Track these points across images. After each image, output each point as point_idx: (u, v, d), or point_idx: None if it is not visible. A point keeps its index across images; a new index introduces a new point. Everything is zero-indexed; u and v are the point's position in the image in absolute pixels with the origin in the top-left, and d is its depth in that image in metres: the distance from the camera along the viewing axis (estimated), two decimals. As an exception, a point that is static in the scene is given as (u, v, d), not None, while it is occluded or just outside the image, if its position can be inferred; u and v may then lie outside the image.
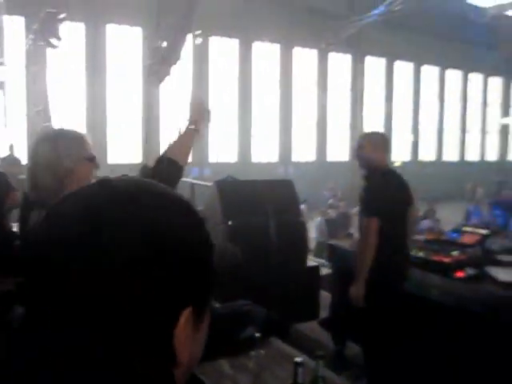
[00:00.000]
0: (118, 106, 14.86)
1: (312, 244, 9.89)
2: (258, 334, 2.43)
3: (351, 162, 19.33)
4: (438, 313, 3.36)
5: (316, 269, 4.92)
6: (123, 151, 15.02)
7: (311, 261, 5.25)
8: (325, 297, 4.96)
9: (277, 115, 17.87)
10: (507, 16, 18.90)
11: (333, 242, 4.83)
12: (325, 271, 5.40)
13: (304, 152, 18.71)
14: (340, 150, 19.59)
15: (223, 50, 16.48)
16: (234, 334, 2.53)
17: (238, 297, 3.04)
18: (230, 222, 4.47)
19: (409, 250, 3.48)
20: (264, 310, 2.70)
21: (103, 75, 14.46)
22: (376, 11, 15.10)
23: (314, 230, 10.31)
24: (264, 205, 4.58)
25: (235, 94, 16.92)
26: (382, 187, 3.31)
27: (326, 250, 4.98)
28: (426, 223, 8.72)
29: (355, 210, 10.94)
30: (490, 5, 17.68)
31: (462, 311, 3.18)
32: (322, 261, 5.66)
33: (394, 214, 3.27)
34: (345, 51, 18.74)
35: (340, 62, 19.12)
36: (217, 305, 2.73)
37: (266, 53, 17.28)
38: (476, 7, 18.63)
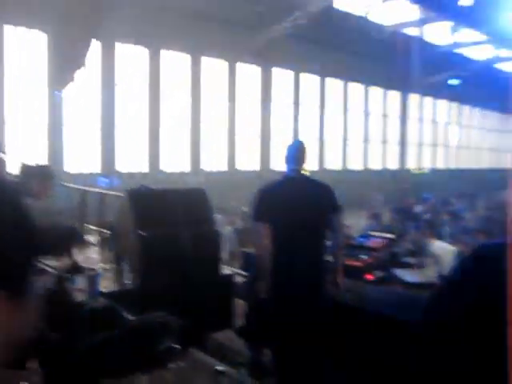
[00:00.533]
0: (20, 110, 14.10)
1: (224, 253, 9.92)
2: (176, 346, 2.37)
3: (261, 170, 19.68)
4: (351, 315, 3.46)
5: (230, 277, 4.91)
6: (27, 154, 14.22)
7: (225, 269, 5.23)
8: (240, 305, 4.96)
9: (187, 124, 17.76)
10: (404, 33, 20.18)
11: (246, 249, 4.85)
12: (239, 279, 5.41)
13: (214, 161, 18.75)
14: (250, 159, 19.85)
15: (131, 57, 16.14)
16: (150, 347, 2.45)
17: (152, 309, 2.96)
18: (142, 233, 4.35)
19: (317, 257, 3.45)
20: (179, 320, 2.64)
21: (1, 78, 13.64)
22: (284, 24, 15.53)
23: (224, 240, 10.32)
24: (177, 214, 4.51)
25: (145, 102, 16.62)
26: (269, 194, 3.51)
27: (240, 258, 4.98)
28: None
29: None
30: (389, 23, 18.76)
31: (373, 313, 3.31)
32: (236, 269, 5.66)
33: (282, 220, 3.41)
34: (253, 62, 19.06)
35: (249, 73, 19.41)
36: (130, 318, 2.63)
37: (175, 61, 17.15)
38: (376, 24, 19.71)
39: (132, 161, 16.50)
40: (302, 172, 3.62)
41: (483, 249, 1.99)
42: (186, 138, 17.84)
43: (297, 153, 3.66)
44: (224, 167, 19.01)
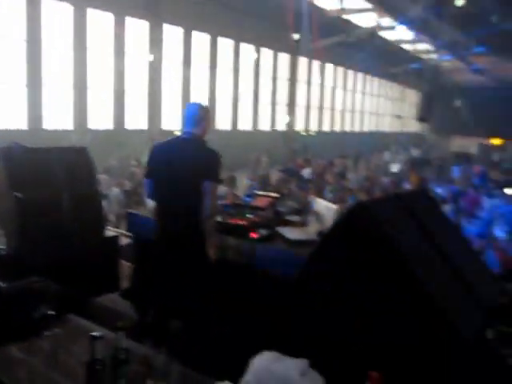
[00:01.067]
0: None
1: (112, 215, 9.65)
2: (52, 312, 2.27)
3: (150, 130, 19.20)
4: (234, 272, 3.53)
5: (115, 239, 4.79)
6: None
7: (110, 231, 5.08)
8: (126, 267, 4.87)
9: (70, 80, 16.71)
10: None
11: (131, 210, 4.73)
12: (125, 241, 5.30)
13: (101, 119, 17.93)
14: (138, 118, 19.25)
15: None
16: (24, 315, 2.32)
17: (31, 274, 2.80)
18: (17, 195, 4.06)
19: (189, 219, 3.44)
20: (57, 285, 2.52)
21: None
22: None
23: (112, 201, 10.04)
24: (55, 174, 4.26)
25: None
26: (156, 153, 3.68)
27: (126, 219, 4.87)
28: (224, 190, 9.09)
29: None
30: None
31: (255, 269, 3.41)
32: (122, 231, 5.54)
33: (161, 179, 3.54)
34: (142, 17, 18.27)
35: (137, 28, 18.59)
36: (2, 284, 2.47)
37: (58, 14, 15.93)
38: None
39: (10, 118, 15.30)
40: (195, 135, 3.54)
41: (355, 207, 2.10)
42: (70, 94, 16.82)
43: (188, 115, 3.59)
44: (110, 126, 18.27)
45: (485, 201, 11.46)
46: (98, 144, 13.57)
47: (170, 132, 19.79)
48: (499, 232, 7.98)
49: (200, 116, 3.57)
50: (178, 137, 3.68)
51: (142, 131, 18.79)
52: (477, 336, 2.00)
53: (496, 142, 36.63)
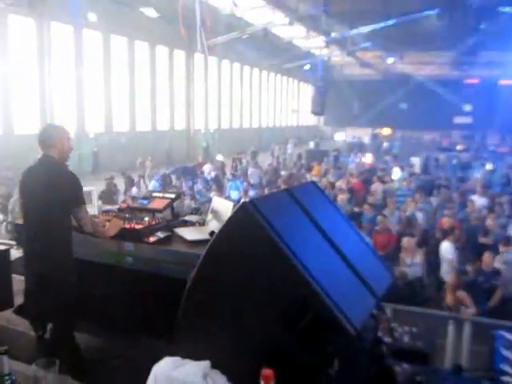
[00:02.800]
0: None
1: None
2: None
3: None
4: (135, 279, 3.46)
5: (5, 253, 4.50)
6: None
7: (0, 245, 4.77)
8: (20, 282, 4.59)
9: None
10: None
11: (18, 221, 4.47)
12: (18, 254, 5.00)
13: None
14: (30, 122, 18.20)
15: None
16: None
17: None
18: None
19: (50, 247, 3.29)
20: None
21: None
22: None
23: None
24: None
25: None
26: (23, 176, 3.47)
27: (15, 231, 4.59)
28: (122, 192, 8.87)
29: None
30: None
31: (155, 274, 3.36)
32: (12, 242, 5.21)
33: (24, 205, 3.50)
34: (27, 14, 17.29)
35: (24, 26, 17.56)
36: None
37: None
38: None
39: None
40: (49, 157, 3.36)
41: (243, 204, 2.16)
42: None
43: (41, 139, 3.39)
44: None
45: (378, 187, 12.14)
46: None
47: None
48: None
49: (47, 137, 3.37)
50: (37, 162, 3.43)
51: (32, 136, 17.81)
52: (367, 330, 2.13)
53: (386, 131, 38.96)
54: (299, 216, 2.37)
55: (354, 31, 26.95)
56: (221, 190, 10.72)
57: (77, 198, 3.30)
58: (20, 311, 4.21)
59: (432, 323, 4.81)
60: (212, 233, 3.10)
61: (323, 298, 1.86)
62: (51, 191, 3.21)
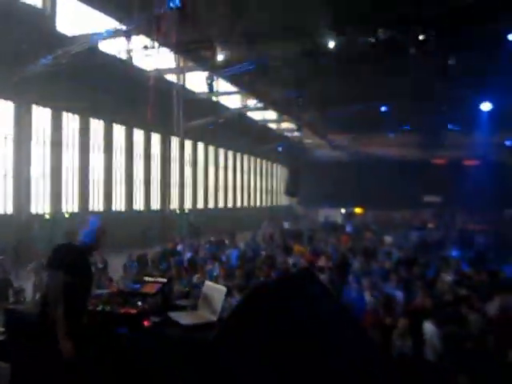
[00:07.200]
0: None
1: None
2: None
3: (16, 215, 18.07)
4: (130, 362, 3.44)
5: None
6: None
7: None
8: (3, 368, 4.47)
9: None
10: (166, 79, 21.10)
11: (11, 306, 4.44)
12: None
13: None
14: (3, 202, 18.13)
15: None
16: None
17: None
18: None
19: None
20: None
21: None
22: (44, 60, 14.84)
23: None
24: None
25: None
26: None
27: (5, 315, 4.53)
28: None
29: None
30: (151, 68, 19.35)
31: (152, 359, 3.36)
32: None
33: None
34: (8, 98, 17.69)
35: (4, 109, 17.91)
36: None
37: None
38: (139, 69, 20.21)
39: None
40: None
41: (253, 291, 2.26)
42: None
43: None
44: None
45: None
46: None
47: (40, 215, 18.85)
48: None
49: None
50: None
51: (3, 216, 17.68)
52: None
53: (358, 210, 39.82)
54: (303, 303, 2.48)
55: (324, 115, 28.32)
56: (196, 270, 10.53)
57: None
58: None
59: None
60: (220, 319, 3.17)
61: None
62: None
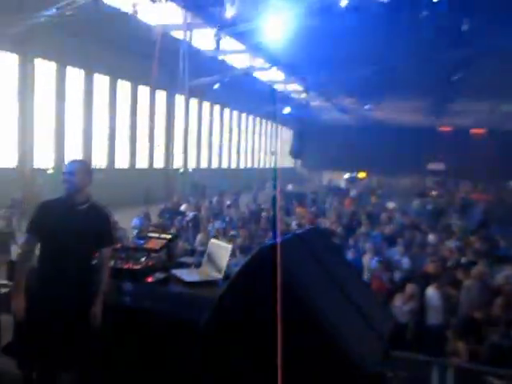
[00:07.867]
0: None
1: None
2: None
3: (19, 168, 18.04)
4: (133, 318, 3.45)
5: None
6: None
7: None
8: (5, 320, 4.52)
9: None
10: (172, 36, 20.69)
11: (14, 259, 4.44)
12: (3, 290, 4.94)
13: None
14: (7, 155, 18.04)
15: None
16: None
17: None
18: None
19: (79, 281, 3.34)
20: None
21: None
22: (48, 12, 14.51)
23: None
24: None
25: None
26: (44, 210, 3.43)
27: (7, 268, 4.54)
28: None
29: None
30: (157, 24, 18.95)
31: (155, 313, 3.36)
32: (3, 281, 5.13)
33: (49, 239, 3.34)
34: (12, 50, 17.39)
35: (6, 62, 17.61)
36: None
37: None
38: (145, 23, 19.73)
39: None
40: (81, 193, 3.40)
41: (260, 251, 2.23)
42: None
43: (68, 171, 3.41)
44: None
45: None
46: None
47: (44, 170, 18.82)
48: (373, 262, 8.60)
49: (80, 174, 3.38)
50: (65, 195, 3.41)
51: (7, 169, 17.64)
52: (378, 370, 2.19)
53: (361, 175, 39.74)
54: (310, 261, 2.46)
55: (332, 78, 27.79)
56: (200, 229, 10.64)
57: (107, 239, 3.55)
58: (7, 350, 4.13)
59: (416, 368, 4.86)
60: (226, 276, 3.16)
61: (340, 344, 1.92)
62: (87, 229, 3.36)
